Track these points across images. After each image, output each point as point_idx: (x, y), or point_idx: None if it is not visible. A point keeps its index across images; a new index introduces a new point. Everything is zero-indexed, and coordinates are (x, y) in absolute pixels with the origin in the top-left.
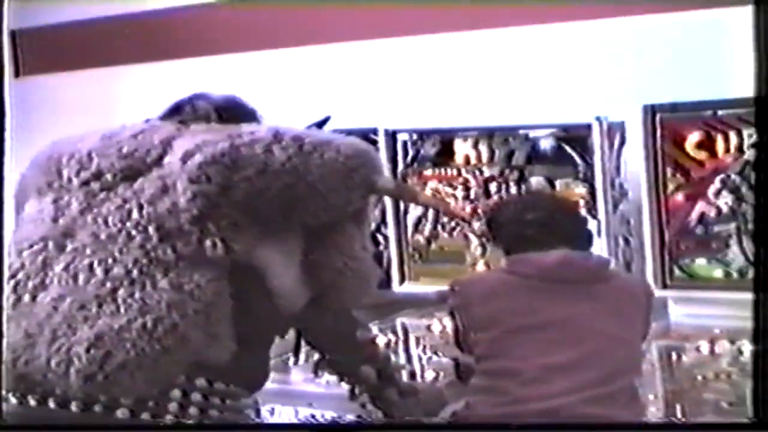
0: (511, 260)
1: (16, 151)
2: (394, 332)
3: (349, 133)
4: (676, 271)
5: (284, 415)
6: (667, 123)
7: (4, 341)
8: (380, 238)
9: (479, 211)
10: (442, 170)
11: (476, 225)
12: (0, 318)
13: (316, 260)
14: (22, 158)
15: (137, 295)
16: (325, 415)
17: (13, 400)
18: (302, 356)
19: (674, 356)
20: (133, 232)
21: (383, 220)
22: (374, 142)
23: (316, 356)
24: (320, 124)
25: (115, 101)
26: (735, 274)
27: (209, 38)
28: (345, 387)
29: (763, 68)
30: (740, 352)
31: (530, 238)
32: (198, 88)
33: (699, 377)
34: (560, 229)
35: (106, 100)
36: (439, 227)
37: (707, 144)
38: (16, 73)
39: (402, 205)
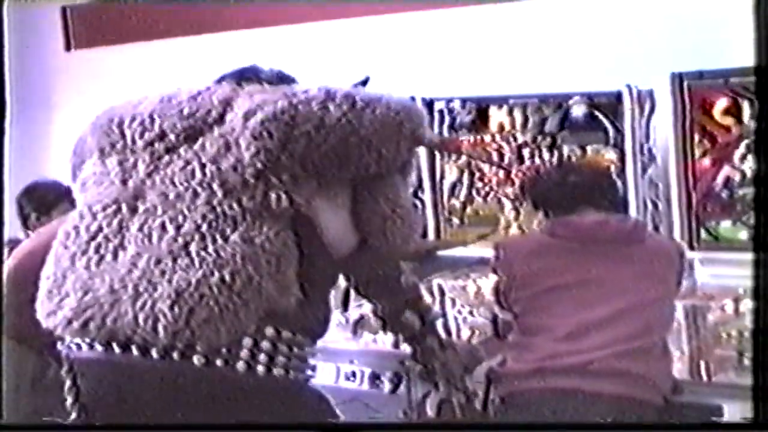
0: (550, 222)
1: (67, 119)
2: (431, 292)
3: None
4: (703, 234)
5: (326, 371)
6: (695, 90)
7: (70, 296)
8: (417, 202)
9: (512, 176)
10: (477, 137)
11: (509, 189)
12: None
13: (365, 207)
14: (72, 125)
15: (210, 248)
16: (365, 371)
17: (99, 348)
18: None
19: (700, 315)
20: (199, 190)
21: (420, 185)
22: None
23: (356, 316)
24: (362, 84)
25: (161, 73)
26: None
27: (251, 12)
28: (388, 336)
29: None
30: None
31: (570, 202)
32: (242, 61)
33: (723, 335)
34: (598, 193)
35: (151, 71)
36: (474, 192)
37: (734, 110)
38: (67, 47)
39: (438, 171)
